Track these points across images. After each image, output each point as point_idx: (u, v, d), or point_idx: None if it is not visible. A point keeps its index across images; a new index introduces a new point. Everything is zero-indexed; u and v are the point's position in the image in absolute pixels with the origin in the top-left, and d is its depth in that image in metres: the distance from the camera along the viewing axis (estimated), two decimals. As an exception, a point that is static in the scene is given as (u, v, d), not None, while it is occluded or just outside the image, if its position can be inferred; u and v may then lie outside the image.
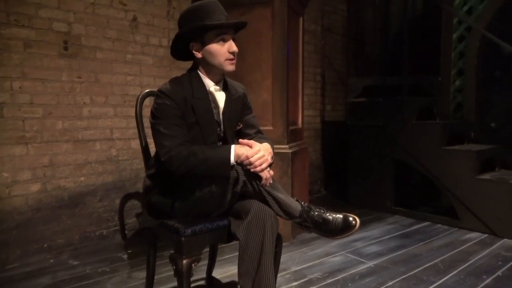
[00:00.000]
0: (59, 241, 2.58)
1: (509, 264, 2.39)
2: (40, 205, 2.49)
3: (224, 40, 1.53)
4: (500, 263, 2.42)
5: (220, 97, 1.61)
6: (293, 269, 2.35)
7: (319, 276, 2.24)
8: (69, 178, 2.62)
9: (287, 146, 2.80)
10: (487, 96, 3.67)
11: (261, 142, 1.53)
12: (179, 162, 1.42)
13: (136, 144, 2.92)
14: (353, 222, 1.49)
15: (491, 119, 3.66)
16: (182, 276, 1.44)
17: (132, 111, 2.80)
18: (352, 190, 3.96)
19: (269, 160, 1.47)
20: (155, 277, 1.81)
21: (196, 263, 1.47)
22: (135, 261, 2.46)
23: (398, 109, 3.59)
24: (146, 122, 1.68)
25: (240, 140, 1.52)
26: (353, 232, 1.49)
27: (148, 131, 1.62)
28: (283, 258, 2.00)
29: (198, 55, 1.55)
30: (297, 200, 1.55)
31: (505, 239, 2.84)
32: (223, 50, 1.53)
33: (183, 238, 1.44)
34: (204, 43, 1.52)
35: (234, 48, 1.54)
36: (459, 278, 2.21)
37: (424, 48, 3.90)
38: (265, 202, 1.48)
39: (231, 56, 1.54)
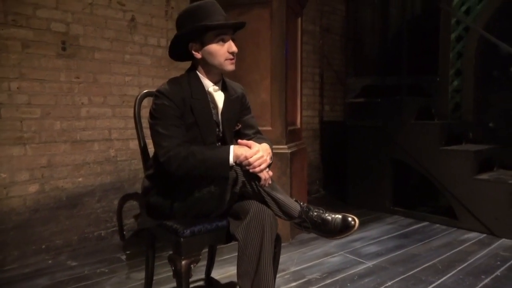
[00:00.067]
0: (57, 242, 2.57)
1: (508, 264, 2.39)
2: (38, 206, 2.49)
3: (224, 41, 1.53)
4: (498, 263, 2.42)
5: (219, 98, 1.61)
6: (292, 269, 2.35)
7: (318, 277, 2.24)
8: (67, 179, 2.61)
9: (285, 147, 2.80)
10: (485, 96, 3.68)
11: (260, 143, 1.53)
12: (177, 163, 1.42)
13: (134, 144, 2.91)
14: (352, 222, 1.49)
15: (489, 119, 3.67)
16: (181, 277, 1.44)
17: (130, 112, 2.80)
18: (350, 190, 3.96)
19: (268, 161, 1.47)
20: (154, 278, 1.80)
21: (195, 264, 1.47)
22: (134, 262, 2.46)
23: (397, 109, 3.60)
24: (145, 123, 1.68)
25: (239, 140, 1.52)
26: (352, 232, 1.49)
27: (147, 132, 1.62)
28: (282, 258, 1.99)
29: (198, 55, 1.54)
30: (296, 201, 1.54)
31: (503, 239, 2.84)
32: (222, 50, 1.53)
33: (182, 239, 1.44)
34: (203, 44, 1.52)
35: (234, 48, 1.54)
36: (458, 278, 2.21)
37: (422, 48, 3.90)
38: (264, 202, 1.48)
39: (231, 56, 1.54)
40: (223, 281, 2.16)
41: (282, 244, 1.76)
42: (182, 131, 1.50)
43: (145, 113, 1.68)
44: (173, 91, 1.50)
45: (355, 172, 3.91)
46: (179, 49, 1.58)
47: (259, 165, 1.42)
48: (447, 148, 3.30)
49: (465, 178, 3.10)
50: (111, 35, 2.77)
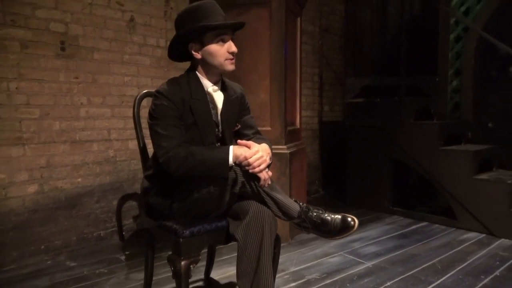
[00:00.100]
0: (56, 242, 2.57)
1: (507, 264, 2.39)
2: (37, 206, 2.48)
3: (224, 41, 1.53)
4: (497, 263, 2.42)
5: (218, 98, 1.60)
6: (292, 269, 2.35)
7: (317, 277, 2.24)
8: (66, 179, 2.61)
9: (285, 147, 2.80)
10: (484, 96, 3.68)
11: (259, 143, 1.53)
12: (177, 163, 1.41)
13: (133, 145, 2.91)
14: (352, 222, 1.49)
15: (488, 119, 3.67)
16: (181, 278, 1.43)
17: (129, 112, 2.79)
18: (350, 191, 3.96)
19: (268, 161, 1.47)
20: (153, 278, 1.80)
21: (194, 265, 1.47)
22: (133, 263, 2.45)
23: (396, 109, 3.60)
24: (144, 123, 1.68)
25: (239, 141, 1.52)
26: (351, 232, 1.49)
27: (146, 132, 1.62)
28: (282, 258, 1.99)
29: (198, 55, 1.54)
30: (295, 201, 1.54)
31: (503, 239, 2.84)
32: (222, 51, 1.53)
33: (181, 239, 1.43)
34: (203, 44, 1.52)
35: (234, 48, 1.54)
36: (457, 278, 2.21)
37: (421, 49, 3.91)
38: (264, 203, 1.47)
39: (231, 56, 1.54)
40: (222, 282, 2.16)
41: (282, 245, 1.75)
42: (182, 131, 1.50)
43: (144, 113, 1.67)
44: (173, 91, 1.50)
45: (354, 172, 3.92)
46: (179, 50, 1.58)
47: (259, 166, 1.41)
48: (446, 148, 3.30)
49: (464, 178, 3.11)
50: (110, 35, 2.77)
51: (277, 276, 1.89)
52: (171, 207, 1.51)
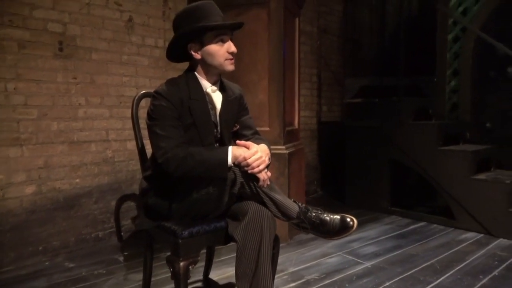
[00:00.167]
0: (55, 243, 2.56)
1: (505, 264, 2.40)
2: (35, 207, 2.47)
3: (223, 41, 1.53)
4: (496, 263, 2.43)
5: (217, 98, 1.60)
6: (291, 270, 2.35)
7: (316, 277, 2.24)
8: (64, 180, 2.60)
9: (283, 147, 2.80)
10: (482, 96, 3.69)
11: (258, 143, 1.53)
12: (176, 164, 1.41)
13: (132, 145, 2.90)
14: (351, 223, 1.48)
15: (486, 119, 3.68)
16: (179, 278, 1.43)
17: (128, 112, 2.78)
18: (348, 191, 3.96)
19: (267, 161, 1.47)
20: (152, 279, 1.80)
21: (193, 265, 1.47)
22: (132, 263, 2.45)
23: (394, 109, 3.61)
24: (142, 124, 1.67)
25: (238, 141, 1.52)
26: (351, 232, 1.49)
27: (145, 133, 1.61)
28: (280, 259, 1.99)
29: (197, 56, 1.54)
30: (294, 201, 1.54)
31: (501, 239, 2.85)
32: (222, 51, 1.53)
33: (180, 240, 1.43)
34: (203, 44, 1.52)
35: (233, 48, 1.54)
36: (456, 278, 2.21)
37: (419, 49, 3.92)
38: (263, 203, 1.47)
39: (230, 56, 1.54)
40: (221, 282, 2.15)
41: (280, 245, 1.75)
42: (180, 132, 1.50)
43: (142, 113, 1.67)
44: (171, 92, 1.50)
45: (353, 172, 3.92)
46: (178, 50, 1.57)
47: (258, 166, 1.41)
48: (445, 148, 3.31)
49: (463, 178, 3.11)
50: (108, 36, 2.76)
51: (276, 276, 1.89)
52: (170, 208, 1.51)
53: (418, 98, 3.88)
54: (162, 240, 1.58)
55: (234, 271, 1.45)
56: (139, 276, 2.00)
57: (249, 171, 1.42)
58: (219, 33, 1.51)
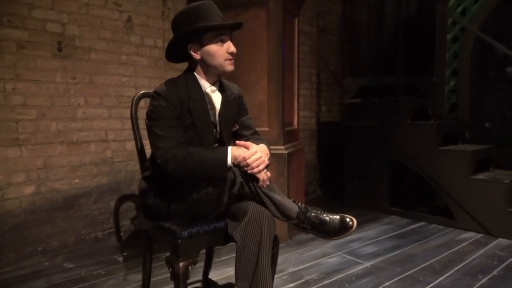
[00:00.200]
0: (54, 243, 2.55)
1: (505, 264, 2.40)
2: (34, 208, 2.47)
3: (223, 41, 1.53)
4: (495, 262, 2.43)
5: (216, 99, 1.60)
6: (290, 270, 2.35)
7: (315, 277, 2.24)
8: (63, 180, 2.60)
9: (283, 147, 2.80)
10: (481, 96, 3.70)
11: (257, 144, 1.53)
12: (175, 164, 1.41)
13: (131, 145, 2.90)
14: (350, 223, 1.49)
15: (485, 119, 3.69)
16: (179, 279, 1.43)
17: (127, 113, 2.77)
18: (347, 191, 3.96)
19: (266, 162, 1.47)
20: (151, 279, 1.79)
21: (192, 266, 1.46)
22: (131, 264, 2.44)
23: (393, 109, 3.61)
24: (142, 124, 1.67)
25: (237, 141, 1.52)
26: (350, 233, 1.49)
27: (144, 133, 1.61)
28: (280, 259, 1.99)
29: (197, 56, 1.54)
30: (294, 201, 1.54)
31: (500, 239, 2.85)
32: (222, 51, 1.52)
33: (179, 241, 1.43)
34: (202, 44, 1.52)
35: (233, 48, 1.54)
36: (455, 278, 2.21)
37: (418, 49, 3.92)
38: (262, 203, 1.47)
39: (230, 57, 1.54)
40: (220, 283, 2.15)
41: (280, 245, 1.75)
42: (180, 132, 1.50)
43: (142, 114, 1.67)
44: (170, 92, 1.50)
45: (352, 172, 3.92)
46: (177, 50, 1.57)
47: (257, 166, 1.41)
48: (444, 148, 3.31)
49: (462, 178, 3.11)
50: (107, 36, 2.76)
51: (275, 276, 1.89)
52: (169, 208, 1.51)
53: (417, 98, 3.88)
54: (161, 240, 1.58)
55: (233, 271, 1.45)
56: (139, 277, 2.00)
57: (249, 171, 1.42)
58: (219, 33, 1.51)
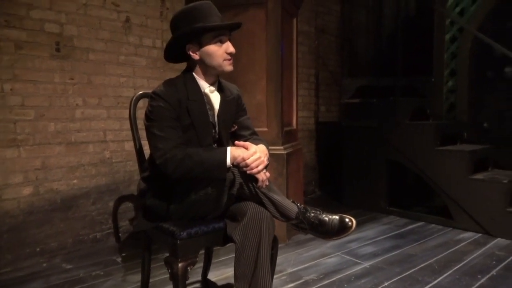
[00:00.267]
0: (52, 244, 2.55)
1: (503, 264, 2.41)
2: (32, 209, 2.46)
3: (222, 41, 1.53)
4: (494, 262, 2.43)
5: (215, 99, 1.60)
6: (289, 270, 2.35)
7: (315, 277, 2.24)
8: (62, 181, 2.59)
9: (282, 147, 2.80)
10: (479, 96, 3.70)
11: (256, 144, 1.53)
12: (174, 165, 1.41)
13: (129, 146, 2.89)
14: (350, 223, 1.49)
15: (484, 119, 3.70)
16: (178, 279, 1.43)
17: (125, 113, 2.78)
18: (346, 191, 3.96)
19: (265, 162, 1.47)
20: (150, 280, 1.79)
21: (191, 266, 1.46)
22: (130, 264, 2.44)
23: (392, 110, 3.61)
24: (140, 124, 1.67)
25: (236, 142, 1.52)
26: (349, 233, 1.49)
27: (142, 133, 1.61)
28: (279, 259, 1.98)
29: (196, 56, 1.54)
30: (293, 202, 1.54)
31: (499, 239, 2.86)
32: (221, 51, 1.52)
33: (178, 241, 1.43)
34: (201, 45, 1.52)
35: (232, 49, 1.54)
36: (454, 278, 2.22)
37: (417, 49, 3.93)
38: (261, 204, 1.47)
39: (229, 57, 1.54)
40: (220, 283, 2.15)
41: (279, 245, 1.75)
42: (178, 132, 1.49)
43: (140, 114, 1.66)
44: (169, 92, 1.49)
45: (350, 172, 3.92)
46: (175, 51, 1.57)
47: (257, 167, 1.41)
48: (442, 148, 3.31)
49: (460, 178, 3.12)
50: (106, 36, 2.75)
51: (274, 277, 1.89)
52: (168, 209, 1.50)
53: (415, 98, 3.88)
54: (160, 241, 1.57)
55: (232, 272, 1.45)
56: (137, 277, 1.99)
57: (248, 172, 1.42)
58: (218, 34, 1.51)
